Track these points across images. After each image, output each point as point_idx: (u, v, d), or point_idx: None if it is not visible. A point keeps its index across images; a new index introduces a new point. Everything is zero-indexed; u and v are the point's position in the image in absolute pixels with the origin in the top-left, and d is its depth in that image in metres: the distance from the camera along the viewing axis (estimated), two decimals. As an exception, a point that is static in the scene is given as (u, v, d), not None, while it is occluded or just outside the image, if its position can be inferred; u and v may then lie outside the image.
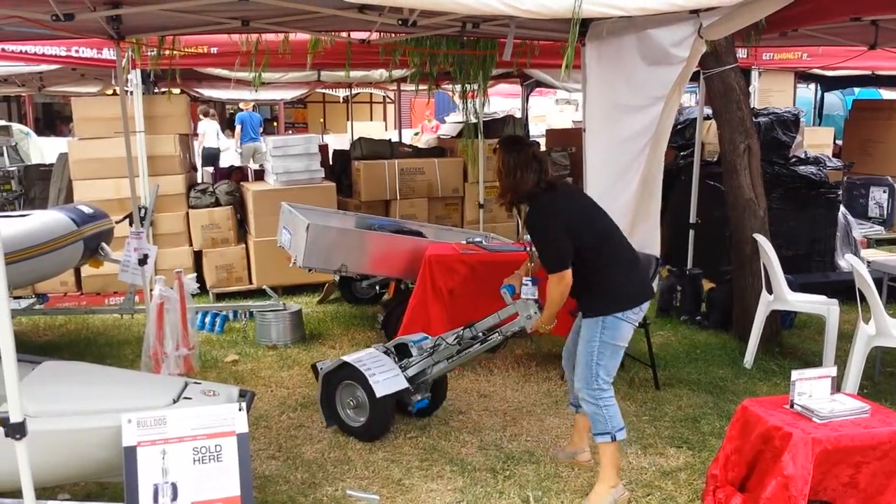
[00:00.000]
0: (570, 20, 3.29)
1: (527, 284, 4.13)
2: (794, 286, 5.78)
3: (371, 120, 23.52)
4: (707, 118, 7.49)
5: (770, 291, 5.69)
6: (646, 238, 6.06)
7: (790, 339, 6.31)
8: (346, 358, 4.57)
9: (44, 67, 8.69)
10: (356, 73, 10.48)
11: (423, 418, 4.81)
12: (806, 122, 11.12)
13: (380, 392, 4.33)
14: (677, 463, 4.23)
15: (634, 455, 4.31)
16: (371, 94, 20.37)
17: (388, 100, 21.68)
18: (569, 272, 3.77)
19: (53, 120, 20.93)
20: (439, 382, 4.83)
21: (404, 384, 4.44)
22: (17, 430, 2.79)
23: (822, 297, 5.64)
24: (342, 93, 16.53)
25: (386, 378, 4.40)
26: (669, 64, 5.38)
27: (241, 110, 16.03)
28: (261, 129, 16.50)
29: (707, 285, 7.05)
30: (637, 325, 3.89)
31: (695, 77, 6.71)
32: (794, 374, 3.54)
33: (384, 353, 4.62)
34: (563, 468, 4.15)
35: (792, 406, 3.51)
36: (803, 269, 7.29)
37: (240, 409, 3.25)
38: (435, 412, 4.87)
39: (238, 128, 15.82)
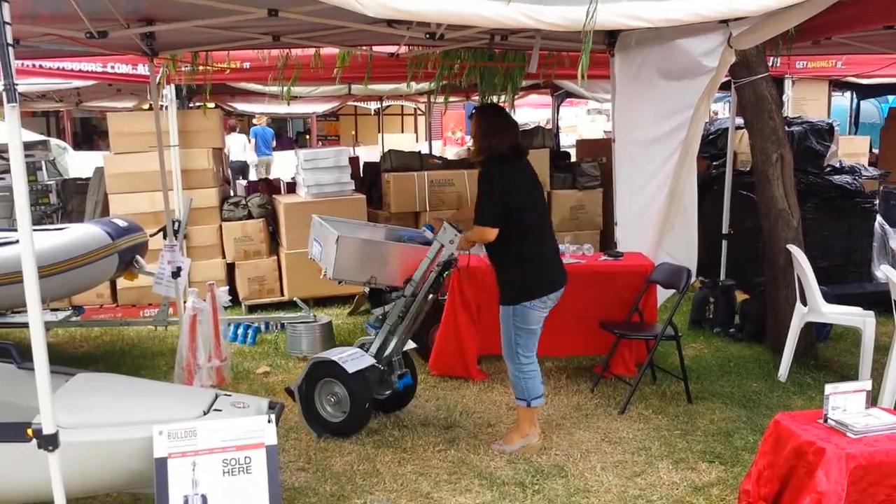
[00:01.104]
0: (597, 32, 3.29)
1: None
2: (830, 298, 5.68)
3: (402, 132, 23.62)
4: (739, 128, 7.43)
5: (804, 303, 5.60)
6: (676, 248, 6.05)
7: (825, 352, 6.20)
8: (316, 356, 4.79)
9: (81, 83, 8.87)
10: (386, 86, 10.54)
11: (406, 407, 5.09)
12: (841, 131, 10.96)
13: (351, 369, 4.53)
14: (709, 478, 4.17)
15: (665, 470, 4.26)
16: (402, 106, 20.46)
17: (418, 112, 21.78)
18: (493, 232, 4.22)
19: (91, 134, 21.31)
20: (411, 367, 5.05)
21: (370, 361, 4.67)
22: (49, 442, 2.84)
23: (858, 309, 5.53)
24: (373, 105, 16.65)
25: (354, 359, 4.64)
26: (698, 73, 5.37)
27: (255, 125, 16.22)
28: (273, 143, 16.83)
29: (740, 297, 6.97)
30: (547, 310, 4.39)
31: (727, 86, 6.68)
32: (828, 388, 3.49)
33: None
34: (593, 482, 4.12)
35: (826, 420, 3.45)
36: (839, 280, 7.17)
37: (269, 421, 3.29)
38: (409, 403, 5.13)
39: (252, 141, 16.03)
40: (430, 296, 4.76)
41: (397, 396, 5.02)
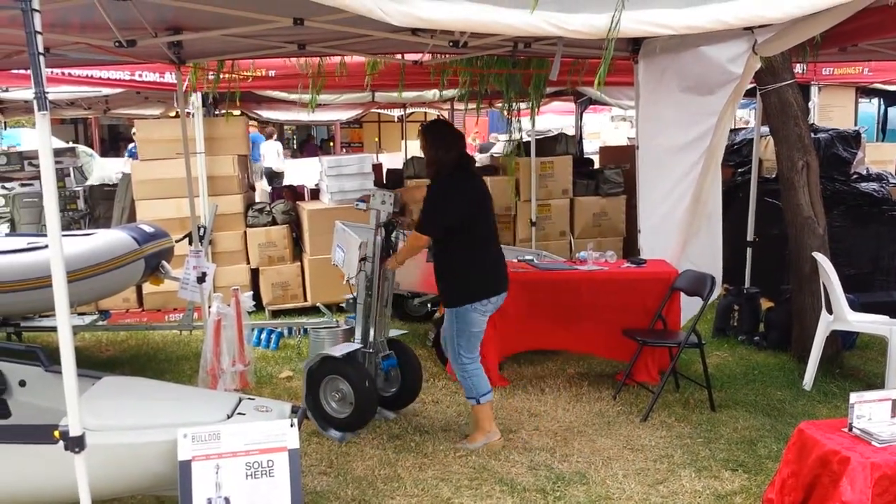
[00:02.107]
0: (621, 39, 3.29)
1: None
2: (856, 306, 5.62)
3: (425, 139, 23.66)
4: (765, 135, 7.38)
5: (830, 311, 5.55)
6: (701, 256, 6.01)
7: (851, 361, 6.13)
8: (306, 364, 4.93)
9: (109, 91, 8.98)
10: (410, 94, 10.59)
11: (421, 409, 5.23)
12: (868, 138, 10.84)
13: (338, 353, 4.74)
14: (732, 486, 4.14)
15: (688, 478, 4.23)
16: (425, 112, 20.50)
17: (441, 119, 21.80)
18: (428, 240, 4.50)
19: (118, 141, 21.55)
20: (409, 367, 5.12)
21: (357, 345, 4.90)
22: (76, 444, 2.88)
23: (885, 318, 5.46)
24: (397, 112, 16.69)
25: (340, 348, 4.88)
26: (723, 81, 5.35)
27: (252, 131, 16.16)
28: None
29: (765, 304, 6.92)
30: (488, 314, 4.57)
31: (753, 93, 6.63)
32: (853, 397, 3.45)
33: None
34: (615, 490, 4.11)
35: (850, 429, 3.42)
36: (866, 288, 7.08)
37: (291, 425, 3.31)
38: (412, 403, 5.24)
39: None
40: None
41: (403, 393, 5.13)
